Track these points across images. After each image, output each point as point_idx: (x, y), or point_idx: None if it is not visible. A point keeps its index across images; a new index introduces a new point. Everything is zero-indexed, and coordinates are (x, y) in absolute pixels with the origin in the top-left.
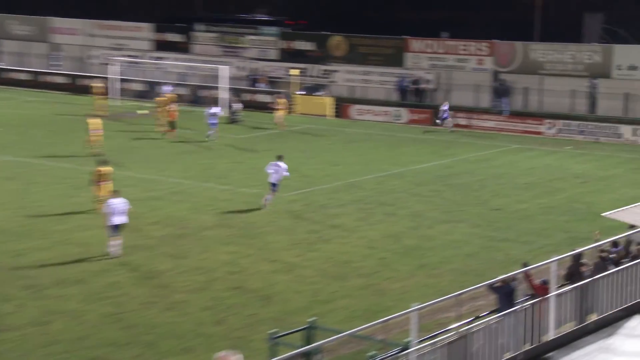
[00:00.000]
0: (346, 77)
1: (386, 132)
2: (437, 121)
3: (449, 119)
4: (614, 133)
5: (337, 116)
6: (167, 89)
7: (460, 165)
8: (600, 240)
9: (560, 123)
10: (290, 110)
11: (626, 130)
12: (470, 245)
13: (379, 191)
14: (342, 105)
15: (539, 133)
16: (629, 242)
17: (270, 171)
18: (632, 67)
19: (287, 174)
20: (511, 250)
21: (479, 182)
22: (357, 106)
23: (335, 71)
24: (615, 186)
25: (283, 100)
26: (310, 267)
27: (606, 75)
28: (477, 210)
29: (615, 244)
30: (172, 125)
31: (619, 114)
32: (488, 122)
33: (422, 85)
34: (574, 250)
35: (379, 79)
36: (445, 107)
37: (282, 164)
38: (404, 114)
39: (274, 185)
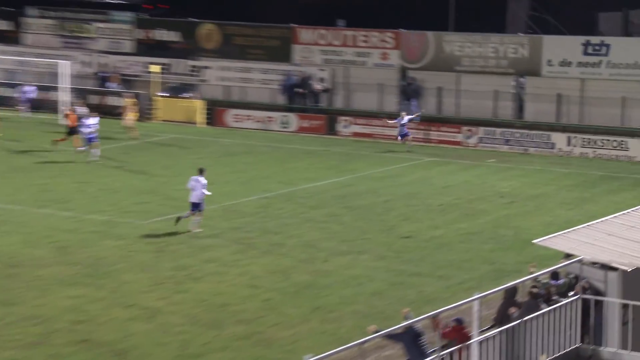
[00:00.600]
0: (220, 75)
1: (271, 143)
2: (398, 137)
3: (410, 136)
4: (545, 143)
5: (209, 123)
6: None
7: (362, 183)
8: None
9: (481, 131)
10: (148, 115)
11: (559, 139)
12: (375, 282)
13: (263, 216)
14: (215, 110)
15: (456, 143)
16: (575, 278)
17: (190, 187)
18: (565, 63)
19: (207, 192)
20: (425, 287)
21: (385, 203)
22: (235, 111)
23: (206, 68)
24: (547, 207)
25: (131, 100)
26: (177, 313)
27: (535, 72)
28: (383, 239)
29: (555, 275)
30: None
31: (551, 120)
32: (395, 130)
33: (315, 86)
34: (503, 285)
35: (261, 78)
36: (404, 119)
37: (202, 179)
38: (293, 120)
39: (194, 205)
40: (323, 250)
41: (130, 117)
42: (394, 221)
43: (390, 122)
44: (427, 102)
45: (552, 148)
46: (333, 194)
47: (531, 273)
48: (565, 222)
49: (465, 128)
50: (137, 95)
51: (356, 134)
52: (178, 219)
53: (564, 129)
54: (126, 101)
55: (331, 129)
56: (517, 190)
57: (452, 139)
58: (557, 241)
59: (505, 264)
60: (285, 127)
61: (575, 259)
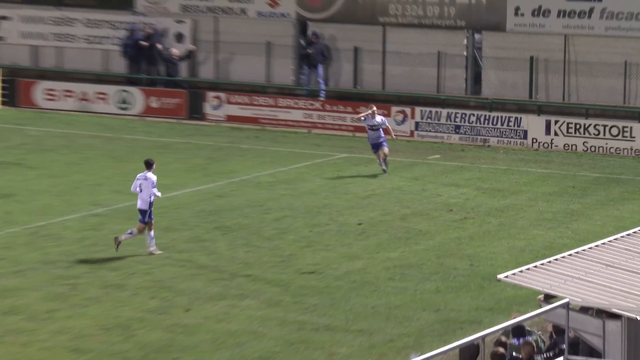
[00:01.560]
0: (24, 30)
1: (103, 133)
2: (380, 161)
3: (386, 147)
4: (513, 130)
5: (7, 103)
6: None
7: (243, 192)
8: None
9: (419, 113)
10: None
11: (534, 124)
12: (264, 341)
13: (91, 243)
14: (17, 83)
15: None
16: (558, 330)
17: (136, 190)
18: (541, 12)
19: (158, 193)
20: (338, 347)
21: (277, 222)
22: (47, 84)
23: (3, 19)
24: (518, 225)
25: None
26: None
27: (497, 26)
28: (276, 275)
29: (519, 330)
30: None
31: (522, 96)
32: (292, 113)
33: (171, 50)
34: (453, 344)
35: (87, 35)
36: (376, 119)
37: (151, 176)
38: (137, 98)
39: (142, 213)
40: (184, 293)
41: None
42: (291, 248)
43: (357, 117)
44: (339, 70)
45: (523, 138)
46: (198, 209)
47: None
48: (543, 246)
49: (395, 109)
50: None
51: (233, 119)
52: (118, 243)
53: (540, 109)
54: None
55: (195, 112)
56: (472, 201)
57: None
58: (531, 276)
59: (457, 312)
60: (124, 109)
61: (559, 303)
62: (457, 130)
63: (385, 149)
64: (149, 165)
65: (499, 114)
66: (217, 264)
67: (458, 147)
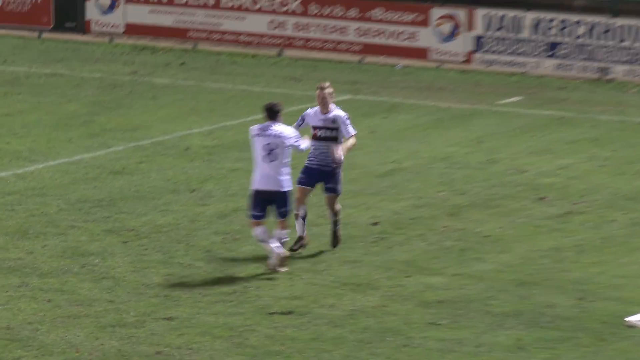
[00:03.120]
0: None
1: None
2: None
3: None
4: None
5: None
6: None
7: (155, 166)
8: None
9: (481, 19)
10: None
11: None
12: None
13: None
14: None
15: (395, 52)
16: None
17: (266, 161)
18: None
19: (303, 145)
20: None
21: (220, 220)
22: None
23: None
24: None
25: None
26: None
27: None
28: (225, 318)
29: None
30: None
31: None
32: (248, 19)
33: None
34: None
35: None
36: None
37: (284, 130)
38: None
39: (280, 199)
40: None
41: None
42: (248, 270)
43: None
44: None
45: None
46: (76, 197)
47: None
48: None
49: (437, 13)
50: None
51: (138, 30)
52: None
53: None
54: None
55: (68, 17)
56: (581, 182)
57: (394, 42)
58: None
59: None
60: None
61: None
62: (553, 53)
63: (334, 196)
64: (274, 112)
65: (631, 23)
66: (110, 319)
67: (554, 82)
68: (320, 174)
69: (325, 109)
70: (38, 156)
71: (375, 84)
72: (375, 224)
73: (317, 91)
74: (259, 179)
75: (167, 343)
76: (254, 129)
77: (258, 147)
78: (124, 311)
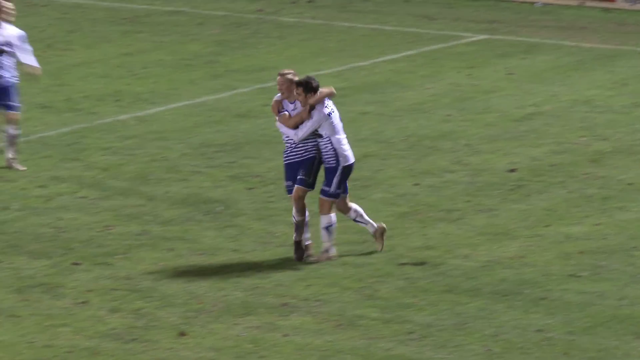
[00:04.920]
0: None
1: None
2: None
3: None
4: None
5: None
6: None
7: None
8: None
9: None
10: None
11: None
12: None
13: None
14: None
15: None
16: None
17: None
18: None
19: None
20: None
21: (371, 164)
22: None
23: None
24: None
25: None
26: None
27: None
28: (354, 270)
29: None
30: None
31: None
32: None
33: None
34: None
35: None
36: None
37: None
38: None
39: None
40: None
41: None
42: (381, 219)
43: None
44: None
45: None
46: (198, 142)
47: None
48: None
49: None
50: None
51: None
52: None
53: None
54: None
55: None
56: None
57: None
58: None
59: None
60: None
61: None
62: None
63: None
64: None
65: None
66: (234, 269)
67: None
68: (297, 163)
69: (290, 97)
70: (159, 98)
71: (513, 23)
72: (513, 170)
73: (287, 77)
74: (351, 152)
75: (294, 294)
76: (330, 104)
77: (337, 120)
78: (248, 261)
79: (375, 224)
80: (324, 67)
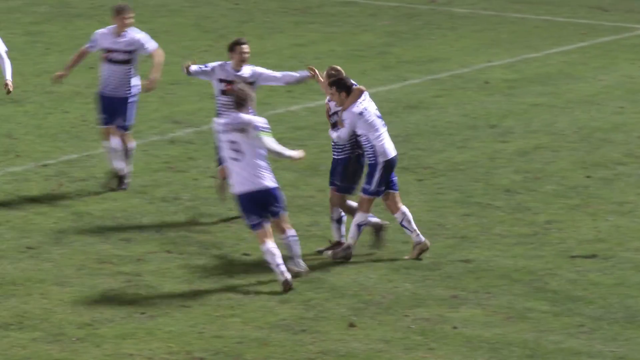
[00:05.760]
0: None
1: None
2: None
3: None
4: None
5: None
6: None
7: (452, 100)
8: None
9: None
10: None
11: None
12: None
13: None
14: None
15: None
16: None
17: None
18: None
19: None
20: None
21: (517, 156)
22: None
23: None
24: None
25: None
26: None
27: None
28: (525, 261)
29: None
30: None
31: None
32: None
33: None
34: None
35: None
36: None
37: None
38: None
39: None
40: None
41: None
42: (549, 211)
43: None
44: None
45: None
46: None
47: None
48: None
49: None
50: None
51: None
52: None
53: None
54: None
55: None
56: None
57: None
58: None
59: None
60: None
61: None
62: None
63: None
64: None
65: None
66: (404, 261)
67: None
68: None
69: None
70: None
71: None
72: None
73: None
74: (392, 146)
75: (464, 286)
76: (363, 100)
77: (373, 116)
78: None
79: (422, 238)
80: (495, 58)
